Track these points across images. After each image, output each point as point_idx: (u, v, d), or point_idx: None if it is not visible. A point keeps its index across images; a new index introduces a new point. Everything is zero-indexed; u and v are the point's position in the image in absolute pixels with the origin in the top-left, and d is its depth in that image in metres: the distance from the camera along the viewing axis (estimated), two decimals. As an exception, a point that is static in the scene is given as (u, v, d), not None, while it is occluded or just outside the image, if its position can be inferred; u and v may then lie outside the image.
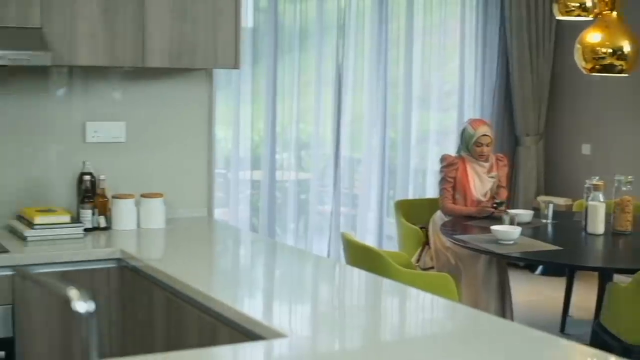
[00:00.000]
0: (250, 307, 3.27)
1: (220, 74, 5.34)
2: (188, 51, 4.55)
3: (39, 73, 4.65)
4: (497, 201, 6.42)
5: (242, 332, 3.12)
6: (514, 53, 8.37)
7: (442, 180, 6.51)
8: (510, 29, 8.30)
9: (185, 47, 4.54)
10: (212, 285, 3.62)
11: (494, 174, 6.55)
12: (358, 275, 3.91)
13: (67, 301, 1.93)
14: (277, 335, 2.91)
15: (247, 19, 6.67)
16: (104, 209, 4.60)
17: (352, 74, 7.42)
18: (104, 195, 4.61)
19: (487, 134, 6.43)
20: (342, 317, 3.28)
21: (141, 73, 4.82)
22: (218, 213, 5.29)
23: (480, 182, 6.50)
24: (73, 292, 1.91)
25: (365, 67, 7.49)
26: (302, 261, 4.28)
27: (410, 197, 7.73)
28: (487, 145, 6.44)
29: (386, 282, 3.74)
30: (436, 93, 8.01)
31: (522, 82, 8.46)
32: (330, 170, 7.35)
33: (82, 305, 1.90)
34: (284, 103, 7.04)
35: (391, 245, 7.28)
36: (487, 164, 6.52)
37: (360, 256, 5.37)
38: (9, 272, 3.95)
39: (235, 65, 4.71)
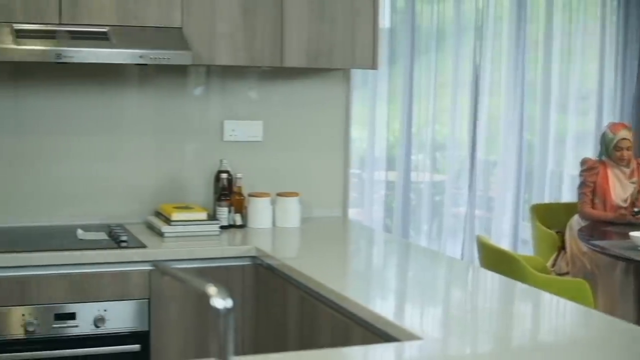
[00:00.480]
0: (383, 307, 3.26)
1: (356, 74, 5.34)
2: (326, 51, 4.57)
3: (178, 72, 4.73)
4: (636, 209, 6.27)
5: (375, 332, 3.11)
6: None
7: (582, 185, 6.40)
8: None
9: (323, 47, 4.56)
10: (346, 285, 3.62)
11: (635, 179, 6.40)
12: (492, 279, 3.86)
13: (205, 297, 1.95)
14: (410, 337, 2.89)
15: (385, 20, 6.66)
16: (240, 207, 4.65)
17: (489, 75, 7.34)
18: (240, 194, 4.66)
19: (626, 137, 6.29)
20: (475, 320, 3.24)
21: (278, 72, 4.86)
22: (352, 213, 5.30)
23: (621, 187, 6.36)
24: (212, 289, 1.93)
25: (503, 68, 7.40)
26: (436, 262, 4.25)
27: (547, 200, 7.61)
28: (628, 149, 6.30)
29: (520, 286, 3.68)
30: (575, 96, 7.86)
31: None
32: (465, 172, 7.28)
33: (220, 302, 1.91)
34: (420, 104, 7.00)
35: (526, 250, 7.18)
36: (628, 169, 6.38)
37: (495, 259, 5.31)
38: (146, 267, 4.03)
39: (373, 65, 4.71)
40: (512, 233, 7.58)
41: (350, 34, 4.60)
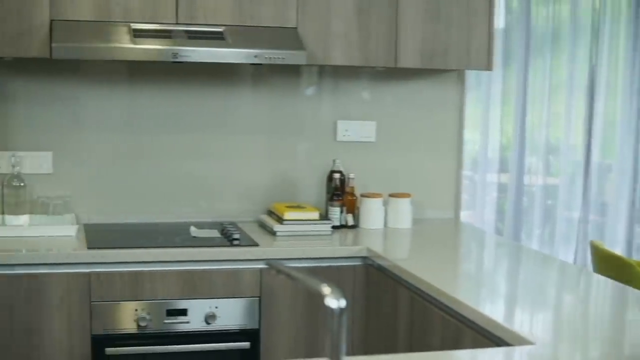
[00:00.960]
0: (494, 311, 3.22)
1: (470, 75, 5.30)
2: (441, 52, 4.54)
3: (291, 72, 4.75)
4: None
5: (486, 336, 3.08)
6: None
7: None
8: None
9: (438, 48, 4.53)
10: (457, 287, 3.59)
11: None
12: (604, 284, 3.80)
13: (317, 297, 1.95)
14: (521, 341, 2.86)
15: (499, 20, 6.60)
16: (352, 207, 4.65)
17: (605, 77, 7.20)
18: (352, 194, 4.66)
19: None
20: (586, 326, 3.19)
21: (391, 73, 4.85)
22: (463, 215, 5.26)
23: None
24: (326, 288, 1.93)
25: (619, 70, 7.26)
26: (547, 266, 4.20)
27: (663, 205, 7.44)
28: None
29: (634, 292, 3.61)
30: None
31: None
32: (579, 176, 7.16)
33: (334, 302, 1.91)
34: (533, 106, 6.91)
35: (640, 256, 7.04)
36: None
37: (608, 265, 5.21)
38: (257, 266, 4.07)
39: (488, 66, 4.68)
40: (627, 239, 7.43)
41: (466, 34, 4.57)
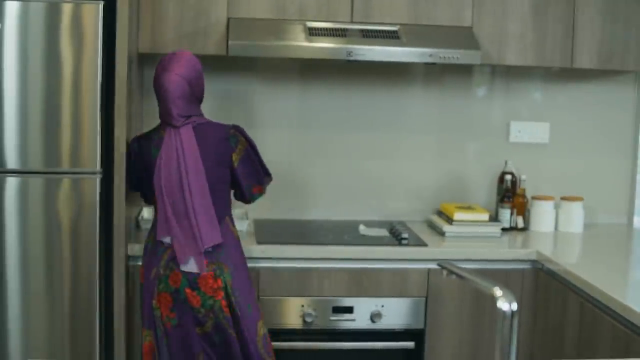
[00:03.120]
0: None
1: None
2: (618, 52, 4.44)
3: (463, 72, 4.73)
4: None
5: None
6: None
7: None
8: None
9: (615, 48, 4.44)
10: (628, 295, 3.51)
11: None
12: None
13: (487, 299, 1.95)
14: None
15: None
16: (522, 210, 4.60)
17: None
18: (523, 196, 4.61)
19: None
20: None
21: (564, 74, 4.78)
22: (637, 221, 5.13)
23: None
24: (498, 291, 1.92)
25: None
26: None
27: None
28: None
29: None
30: None
31: None
32: None
33: (506, 305, 1.90)
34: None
35: None
36: None
37: None
38: (425, 266, 4.07)
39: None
40: None
41: (646, 33, 4.47)
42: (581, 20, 4.40)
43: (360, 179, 4.73)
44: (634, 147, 4.95)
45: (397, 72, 4.70)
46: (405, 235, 4.21)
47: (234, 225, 3.78)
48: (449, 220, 4.42)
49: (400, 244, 4.14)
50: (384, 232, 4.34)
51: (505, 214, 4.55)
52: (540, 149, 4.83)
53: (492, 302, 1.90)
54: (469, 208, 4.50)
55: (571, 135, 4.86)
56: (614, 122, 4.91)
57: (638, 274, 4.08)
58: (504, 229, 4.50)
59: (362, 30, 4.20)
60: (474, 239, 4.35)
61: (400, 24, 4.26)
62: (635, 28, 4.45)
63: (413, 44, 4.15)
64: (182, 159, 3.59)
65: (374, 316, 4.06)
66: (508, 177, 4.60)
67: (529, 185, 4.68)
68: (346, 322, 4.07)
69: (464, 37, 4.25)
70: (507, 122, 4.79)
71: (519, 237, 4.47)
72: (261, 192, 3.89)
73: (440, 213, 4.59)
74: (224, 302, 3.57)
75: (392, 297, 4.08)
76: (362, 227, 4.39)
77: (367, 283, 4.05)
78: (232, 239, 3.71)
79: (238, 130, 3.75)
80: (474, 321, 4.12)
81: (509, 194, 4.58)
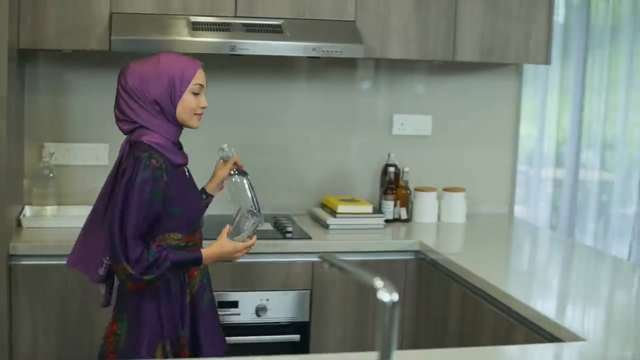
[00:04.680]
0: (545, 307, 3.22)
1: (527, 69, 5.28)
2: (499, 46, 4.53)
3: (347, 65, 4.77)
4: None
5: (537, 332, 3.09)
6: None
7: None
8: None
9: (496, 42, 4.52)
10: (509, 283, 3.59)
11: None
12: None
13: (369, 290, 1.97)
14: (573, 337, 2.86)
15: (559, 15, 6.55)
16: (405, 201, 4.66)
17: (664, 73, 7.13)
18: (406, 188, 4.67)
19: None
20: (639, 323, 3.18)
21: (447, 67, 4.85)
22: (517, 210, 5.25)
23: None
24: (379, 282, 1.95)
25: (680, 65, 7.18)
26: (601, 263, 4.18)
27: None
28: None
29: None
30: None
31: None
32: (635, 171, 7.10)
33: (386, 296, 1.93)
34: (590, 101, 6.85)
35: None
36: None
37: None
38: (309, 259, 4.09)
39: (547, 61, 4.67)
40: (684, 235, 7.36)
41: (525, 28, 4.56)
42: (463, 14, 4.47)
43: (245, 173, 4.73)
44: (514, 138, 5.06)
45: (281, 66, 4.71)
46: (289, 228, 4.23)
47: None
48: (333, 213, 4.46)
49: (284, 237, 4.15)
50: (268, 226, 4.35)
51: (389, 205, 4.60)
52: (423, 141, 4.90)
53: (374, 294, 1.93)
54: (352, 200, 4.54)
55: (453, 127, 4.94)
56: (495, 113, 5.01)
57: (518, 263, 4.17)
58: (387, 221, 4.55)
59: (245, 25, 4.20)
60: (358, 231, 4.39)
61: (284, 19, 4.27)
62: (516, 21, 4.54)
63: (296, 38, 4.17)
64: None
65: (259, 310, 4.07)
66: (391, 169, 4.66)
67: (411, 177, 4.75)
68: (231, 317, 4.07)
69: (347, 31, 4.29)
70: (391, 115, 4.85)
71: (402, 229, 4.53)
72: (112, 269, 3.12)
73: (324, 206, 4.63)
74: None
75: (277, 290, 4.09)
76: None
77: (251, 277, 4.06)
78: None
79: (134, 158, 3.09)
80: (358, 312, 4.16)
81: (392, 186, 4.63)
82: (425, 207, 4.67)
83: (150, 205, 3.04)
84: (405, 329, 4.19)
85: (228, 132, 4.68)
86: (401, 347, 3.56)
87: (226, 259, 3.29)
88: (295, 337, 4.13)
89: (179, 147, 3.32)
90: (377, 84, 4.85)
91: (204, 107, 3.24)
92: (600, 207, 7.01)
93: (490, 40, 4.51)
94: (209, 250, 3.22)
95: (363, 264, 4.03)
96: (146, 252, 3.03)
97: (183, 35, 4.07)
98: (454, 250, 4.26)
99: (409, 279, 4.18)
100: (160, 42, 4.04)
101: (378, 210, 4.61)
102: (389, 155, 4.71)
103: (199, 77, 3.21)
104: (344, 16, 4.34)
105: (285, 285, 4.09)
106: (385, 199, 4.61)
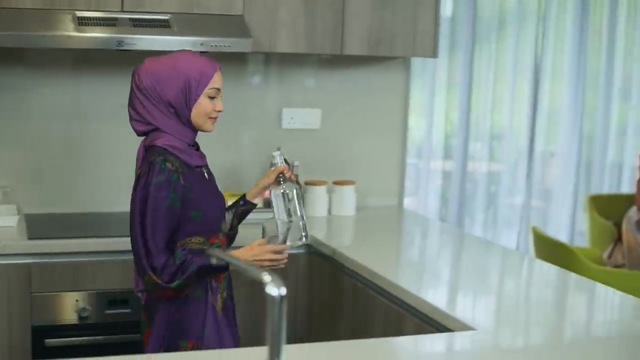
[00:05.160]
0: (436, 297, 3.27)
1: (415, 62, 5.34)
2: (387, 39, 4.57)
3: (237, 60, 4.76)
4: None
5: (428, 322, 3.13)
6: None
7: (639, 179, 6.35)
8: None
9: (384, 35, 4.56)
10: (399, 274, 3.63)
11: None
12: (546, 270, 3.86)
13: (260, 285, 1.98)
14: (463, 327, 2.91)
15: (446, 8, 6.63)
16: (296, 195, 4.66)
17: (550, 64, 7.26)
18: (297, 181, 4.67)
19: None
20: (528, 312, 3.25)
21: (336, 60, 4.87)
22: (407, 202, 5.30)
23: (683, 180, 6.31)
24: (267, 276, 1.95)
25: (565, 57, 7.33)
26: (490, 253, 4.25)
27: (606, 192, 7.54)
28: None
29: (574, 278, 3.68)
30: (637, 85, 7.76)
31: None
32: (523, 162, 7.23)
33: (274, 290, 1.94)
34: (478, 93, 6.96)
35: (584, 242, 7.13)
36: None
37: (549, 251, 5.29)
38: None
39: (434, 54, 4.72)
40: (570, 224, 7.52)
41: (412, 22, 4.61)
42: (351, 8, 4.50)
43: (133, 169, 4.66)
44: (403, 131, 5.11)
45: (170, 61, 4.67)
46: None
47: None
48: (225, 207, 4.44)
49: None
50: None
51: (280, 199, 4.60)
52: (312, 135, 4.91)
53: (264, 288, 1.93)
54: (244, 195, 4.53)
55: (342, 120, 4.97)
56: (383, 106, 5.05)
57: (408, 254, 4.22)
58: (279, 215, 4.56)
59: (132, 20, 4.16)
60: (248, 225, 4.38)
61: (172, 13, 4.24)
62: (403, 15, 4.58)
63: (184, 33, 4.15)
64: None
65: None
66: (281, 163, 4.66)
67: (302, 171, 4.76)
68: (122, 315, 4.04)
69: (235, 25, 4.28)
70: (280, 109, 4.85)
71: (294, 222, 4.54)
72: (146, 281, 3.00)
73: (216, 201, 4.60)
74: None
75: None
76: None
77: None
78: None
79: (148, 164, 3.03)
80: (250, 307, 4.16)
81: (282, 180, 4.62)
82: (316, 200, 4.69)
83: (169, 211, 2.96)
84: (298, 323, 4.20)
85: (121, 128, 4.59)
86: (293, 341, 3.58)
87: (256, 262, 3.14)
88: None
89: (196, 148, 3.22)
90: (268, 78, 4.85)
91: (219, 111, 3.18)
92: (488, 197, 7.13)
93: (377, 34, 4.55)
94: (234, 253, 3.13)
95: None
96: (171, 258, 2.96)
97: (69, 31, 4.01)
98: (344, 243, 4.28)
99: (300, 272, 4.19)
100: (45, 38, 3.98)
101: (269, 204, 4.60)
102: (278, 149, 4.70)
103: (217, 80, 3.16)
104: (232, 10, 4.33)
105: (176, 281, 4.06)
106: (276, 193, 4.61)
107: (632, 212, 6.37)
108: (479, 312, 3.23)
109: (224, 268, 3.09)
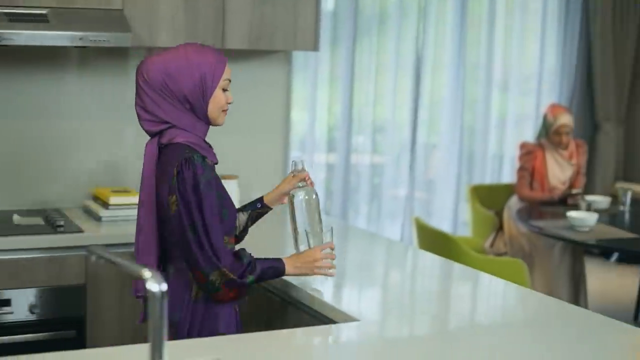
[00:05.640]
0: (320, 290, 3.28)
1: (298, 57, 5.35)
2: (268, 33, 4.56)
3: (119, 55, 4.70)
4: (574, 190, 6.37)
5: (313, 315, 3.13)
6: (596, 35, 8.20)
7: (520, 168, 6.47)
8: (593, 10, 8.14)
9: (265, 29, 4.55)
10: (283, 268, 3.63)
11: (574, 161, 6.48)
12: (430, 260, 3.91)
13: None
14: (348, 319, 2.92)
15: (328, 2, 6.67)
16: (179, 190, 4.63)
17: (431, 57, 7.37)
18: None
19: (566, 123, 6.35)
20: (413, 302, 3.28)
21: (220, 55, 4.85)
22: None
23: (560, 170, 6.44)
24: (147, 272, 1.94)
25: (445, 50, 7.43)
26: (374, 245, 4.28)
27: (487, 182, 7.68)
28: (567, 134, 6.37)
29: (457, 268, 3.74)
30: (516, 77, 7.92)
31: (604, 66, 8.30)
32: (406, 154, 7.32)
33: (155, 286, 1.92)
34: (361, 86, 7.03)
35: (467, 231, 7.25)
36: (566, 151, 6.46)
37: (432, 241, 5.35)
38: (82, 252, 4.02)
39: (315, 47, 4.72)
40: (453, 215, 7.64)
41: (292, 16, 4.60)
42: (231, 2, 4.48)
43: (12, 167, 4.57)
44: (285, 125, 5.11)
45: (52, 57, 4.59)
46: (60, 222, 4.13)
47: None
48: (105, 204, 4.39)
49: (56, 232, 4.06)
50: (38, 221, 4.24)
51: (163, 195, 4.57)
52: (211, 129, 4.86)
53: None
54: (125, 192, 4.49)
55: (240, 113, 4.94)
56: (266, 101, 5.04)
57: (292, 247, 4.20)
58: (161, 211, 4.52)
59: (8, 14, 4.06)
60: (132, 222, 4.32)
61: (50, 7, 4.16)
62: (284, 8, 4.58)
63: (62, 28, 4.07)
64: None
65: (32, 307, 3.97)
66: (164, 158, 4.62)
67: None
68: (4, 315, 3.96)
69: (115, 20, 4.22)
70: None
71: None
72: (202, 282, 2.92)
73: (96, 198, 4.54)
74: None
75: (51, 286, 4.00)
76: (16, 217, 4.26)
77: (23, 274, 3.95)
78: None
79: (185, 162, 2.93)
80: (135, 305, 4.11)
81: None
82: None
83: (220, 205, 2.93)
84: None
85: (-3, 125, 4.54)
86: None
87: (307, 267, 3.14)
88: (71, 332, 4.05)
89: (209, 144, 3.14)
90: (149, 73, 4.79)
91: (230, 103, 3.11)
92: (372, 189, 7.20)
93: (258, 28, 4.54)
94: (288, 258, 3.11)
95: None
96: (239, 255, 2.93)
97: (-59, 26, 3.91)
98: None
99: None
100: None
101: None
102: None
103: (228, 71, 3.09)
104: (112, 5, 4.26)
105: (58, 280, 4.01)
106: (159, 189, 4.58)
107: (513, 201, 6.49)
108: (364, 304, 3.25)
109: (280, 273, 3.08)
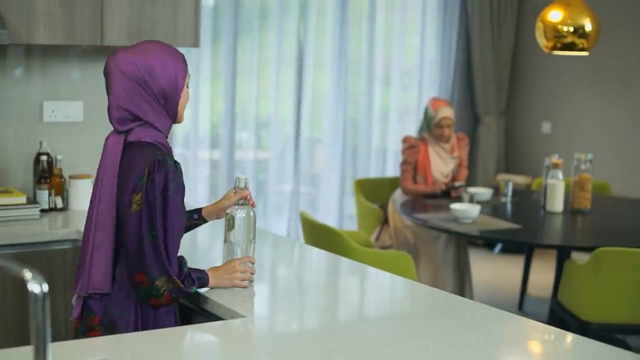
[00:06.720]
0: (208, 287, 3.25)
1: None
2: (147, 29, 4.51)
3: (-3, 52, 4.60)
4: (457, 183, 6.45)
5: (199, 312, 3.11)
6: (475, 30, 8.35)
7: (403, 162, 6.53)
8: (472, 5, 8.29)
9: (144, 25, 4.50)
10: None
11: (455, 154, 6.56)
12: (317, 255, 3.91)
13: (22, 282, 1.91)
14: (235, 315, 2.91)
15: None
16: (60, 190, 4.56)
17: (313, 52, 7.40)
18: (60, 176, 4.57)
19: (447, 116, 6.42)
20: (301, 297, 3.28)
21: (99, 52, 4.78)
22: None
23: (443, 163, 6.51)
24: (28, 273, 1.89)
25: (327, 45, 7.47)
26: (260, 240, 4.27)
27: (372, 176, 7.74)
28: (448, 127, 6.44)
29: (345, 262, 3.75)
30: (398, 71, 8.01)
31: (483, 60, 8.46)
32: (290, 149, 7.34)
33: (36, 287, 1.87)
34: (243, 82, 7.02)
35: (352, 225, 7.30)
36: (448, 145, 6.54)
37: (319, 236, 5.36)
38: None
39: (195, 43, 4.68)
40: (338, 209, 7.69)
41: (172, 11, 4.56)
42: (109, -2, 4.42)
43: None
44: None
45: None
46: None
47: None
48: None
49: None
50: None
51: (44, 195, 4.49)
52: (75, 128, 4.80)
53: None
54: (5, 192, 4.40)
55: (106, 113, 4.86)
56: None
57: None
58: (43, 210, 4.44)
59: None
60: (13, 222, 4.26)
61: None
62: (163, 4, 4.54)
63: None
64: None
65: None
66: (44, 157, 4.54)
67: (66, 165, 4.65)
68: None
69: (-11, 16, 4.13)
70: (41, 103, 4.72)
71: (59, 218, 4.43)
72: (143, 286, 2.87)
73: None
74: None
75: None
76: None
77: None
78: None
79: (157, 163, 2.86)
80: (19, 307, 4.04)
81: (46, 174, 4.52)
82: (81, 194, 4.58)
83: (185, 214, 2.93)
84: (69, 320, 4.09)
85: None
86: (65, 337, 3.50)
87: (226, 277, 3.13)
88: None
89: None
90: (30, 71, 4.70)
91: None
92: (257, 185, 7.19)
93: (137, 23, 4.48)
94: (209, 270, 3.11)
95: (20, 257, 3.92)
96: (180, 263, 2.92)
97: None
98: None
99: (68, 268, 4.10)
100: None
101: (33, 200, 4.49)
102: (40, 143, 4.58)
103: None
104: (-14, 1, 4.17)
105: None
106: (40, 189, 4.50)
107: (397, 194, 6.55)
108: (252, 300, 3.23)
109: (205, 284, 3.08)
